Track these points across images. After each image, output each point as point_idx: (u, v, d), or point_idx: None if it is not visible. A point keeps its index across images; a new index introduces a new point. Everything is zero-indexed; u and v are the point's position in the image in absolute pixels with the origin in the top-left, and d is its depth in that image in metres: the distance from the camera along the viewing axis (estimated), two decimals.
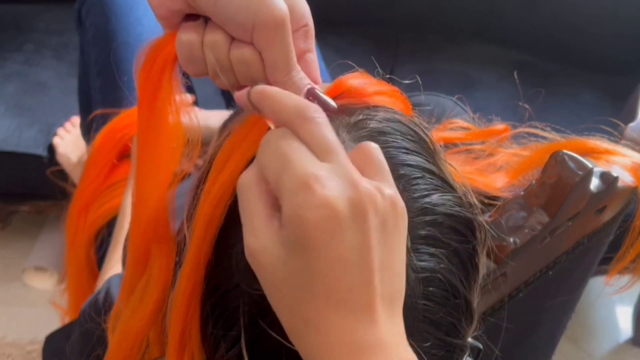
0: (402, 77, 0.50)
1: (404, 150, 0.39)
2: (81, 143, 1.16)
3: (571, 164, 0.53)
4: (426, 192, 0.38)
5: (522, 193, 0.55)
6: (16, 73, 1.36)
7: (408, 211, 0.34)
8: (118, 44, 0.97)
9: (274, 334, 0.34)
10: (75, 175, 1.18)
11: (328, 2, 1.37)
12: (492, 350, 0.47)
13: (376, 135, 0.39)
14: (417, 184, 0.38)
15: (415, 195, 0.37)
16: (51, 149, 1.23)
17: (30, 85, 1.33)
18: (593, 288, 1.40)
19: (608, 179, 0.55)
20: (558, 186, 0.53)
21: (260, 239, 0.31)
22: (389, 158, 0.37)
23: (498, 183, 0.58)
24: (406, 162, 0.38)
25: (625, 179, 0.58)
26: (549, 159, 0.54)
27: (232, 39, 0.37)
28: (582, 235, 0.58)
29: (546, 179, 0.54)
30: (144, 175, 0.42)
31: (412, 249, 0.36)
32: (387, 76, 0.46)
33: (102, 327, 0.50)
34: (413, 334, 0.34)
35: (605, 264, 0.65)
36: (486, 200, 0.56)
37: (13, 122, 1.27)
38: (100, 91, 0.99)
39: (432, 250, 0.37)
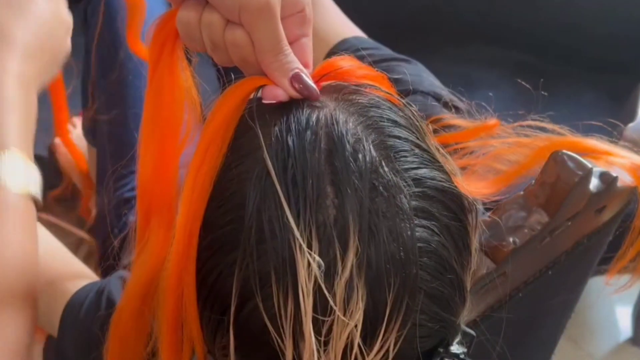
0: None
1: (393, 123, 0.39)
2: (82, 143, 1.16)
3: (570, 164, 0.53)
4: (415, 165, 0.38)
5: (521, 193, 0.55)
6: None
7: (398, 181, 0.34)
8: (123, 43, 0.97)
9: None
10: (75, 175, 1.18)
11: None
12: (491, 350, 0.47)
13: (368, 107, 0.39)
14: (406, 156, 0.38)
15: (405, 166, 0.37)
16: (51, 149, 1.23)
17: None
18: (593, 288, 1.40)
19: (607, 179, 0.55)
20: (557, 186, 0.53)
21: None
22: (379, 129, 0.38)
23: (490, 189, 0.58)
24: (395, 135, 0.38)
25: (625, 179, 0.58)
26: (548, 159, 0.54)
27: (228, 20, 0.38)
28: (582, 235, 0.58)
29: (546, 178, 0.54)
30: (146, 146, 0.43)
31: (407, 219, 0.35)
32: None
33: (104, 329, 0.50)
34: (410, 302, 0.35)
35: (605, 264, 0.65)
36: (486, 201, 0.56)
37: None
38: (104, 91, 0.99)
39: (424, 222, 0.36)
